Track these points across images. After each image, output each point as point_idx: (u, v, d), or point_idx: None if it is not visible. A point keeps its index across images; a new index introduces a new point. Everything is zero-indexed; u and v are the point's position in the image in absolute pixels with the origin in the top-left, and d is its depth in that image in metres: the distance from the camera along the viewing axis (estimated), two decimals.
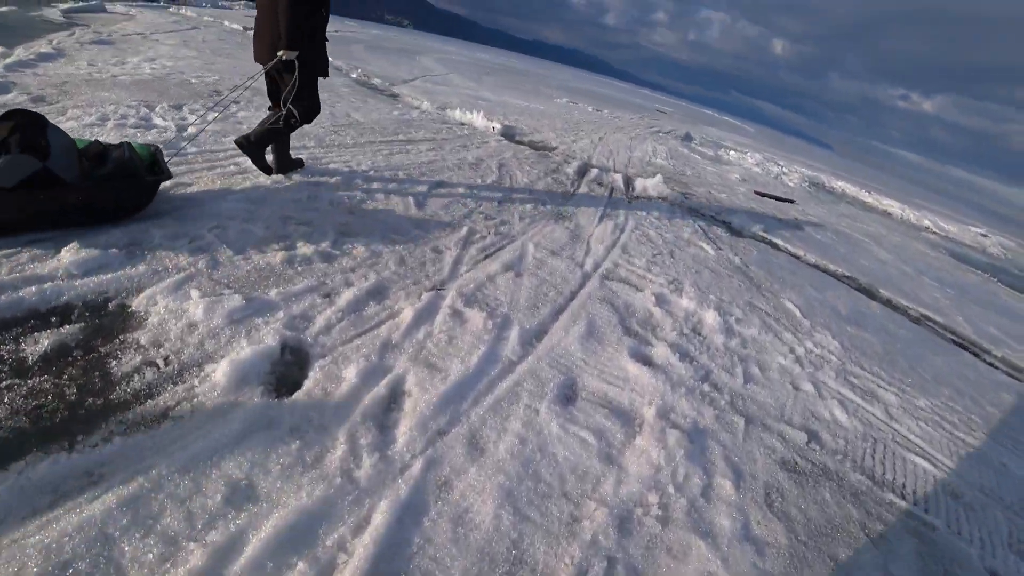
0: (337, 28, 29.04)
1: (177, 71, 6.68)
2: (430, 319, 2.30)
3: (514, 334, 2.32)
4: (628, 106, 21.14)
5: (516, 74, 22.98)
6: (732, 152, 13.10)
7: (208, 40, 11.27)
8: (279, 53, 2.92)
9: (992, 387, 3.50)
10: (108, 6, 17.41)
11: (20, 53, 6.35)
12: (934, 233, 10.76)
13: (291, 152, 3.61)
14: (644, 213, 4.90)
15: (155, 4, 21.92)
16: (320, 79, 3.35)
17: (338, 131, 5.20)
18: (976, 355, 4.06)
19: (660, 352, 2.53)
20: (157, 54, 7.90)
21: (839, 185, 13.23)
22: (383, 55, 15.68)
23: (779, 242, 5.43)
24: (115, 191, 2.32)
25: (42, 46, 7.31)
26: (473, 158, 5.24)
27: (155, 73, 6.31)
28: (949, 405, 3.00)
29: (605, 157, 7.35)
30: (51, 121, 2.25)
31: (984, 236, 12.12)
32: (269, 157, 3.46)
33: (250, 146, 3.17)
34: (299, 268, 2.45)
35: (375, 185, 3.75)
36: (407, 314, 2.27)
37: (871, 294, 4.75)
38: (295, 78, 2.98)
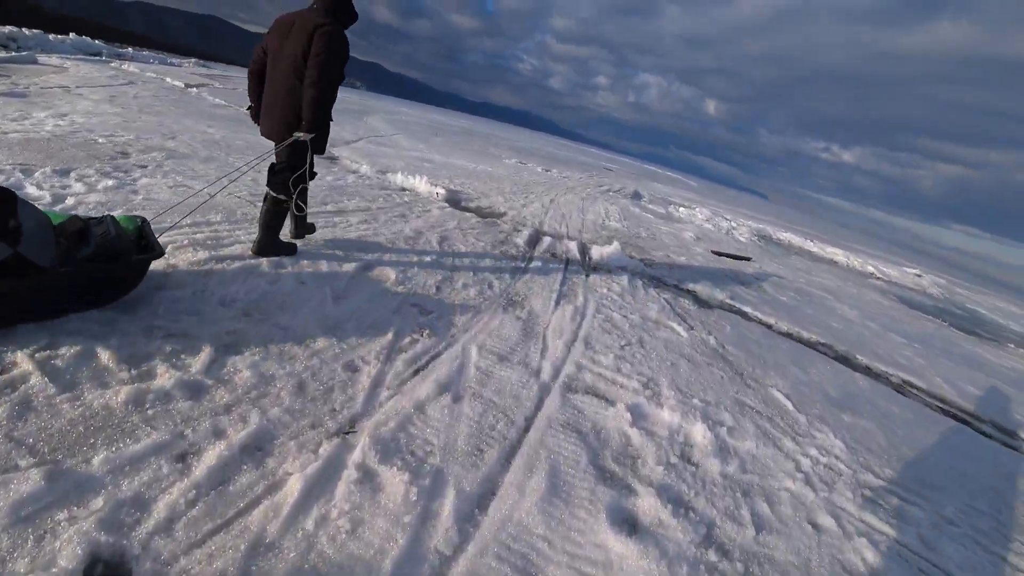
0: None
1: (86, 129, 5.91)
2: (328, 492, 1.59)
3: (448, 506, 1.64)
4: (576, 165, 21.56)
5: (466, 135, 23.19)
6: (682, 209, 13.28)
7: (140, 96, 10.49)
8: (297, 134, 2.79)
9: (1001, 468, 3.26)
10: (42, 58, 16.38)
11: None
12: (879, 279, 11.16)
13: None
14: (605, 289, 4.41)
15: (96, 58, 20.99)
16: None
17: (256, 201, 4.52)
18: (967, 423, 3.92)
19: (647, 506, 1.89)
20: (72, 109, 7.09)
21: (785, 237, 13.59)
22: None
23: (748, 310, 5.08)
24: (99, 274, 2.07)
25: None
26: (411, 231, 4.65)
27: (57, 131, 5.53)
28: (974, 508, 2.58)
29: (558, 222, 6.96)
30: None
31: (919, 276, 12.91)
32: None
33: (267, 247, 3.11)
34: (150, 411, 1.72)
35: (286, 271, 3.05)
36: (294, 485, 1.57)
37: (850, 363, 4.51)
38: (308, 159, 2.95)
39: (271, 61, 2.86)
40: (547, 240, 5.62)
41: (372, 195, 5.71)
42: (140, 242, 2.31)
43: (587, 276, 4.73)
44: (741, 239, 10.52)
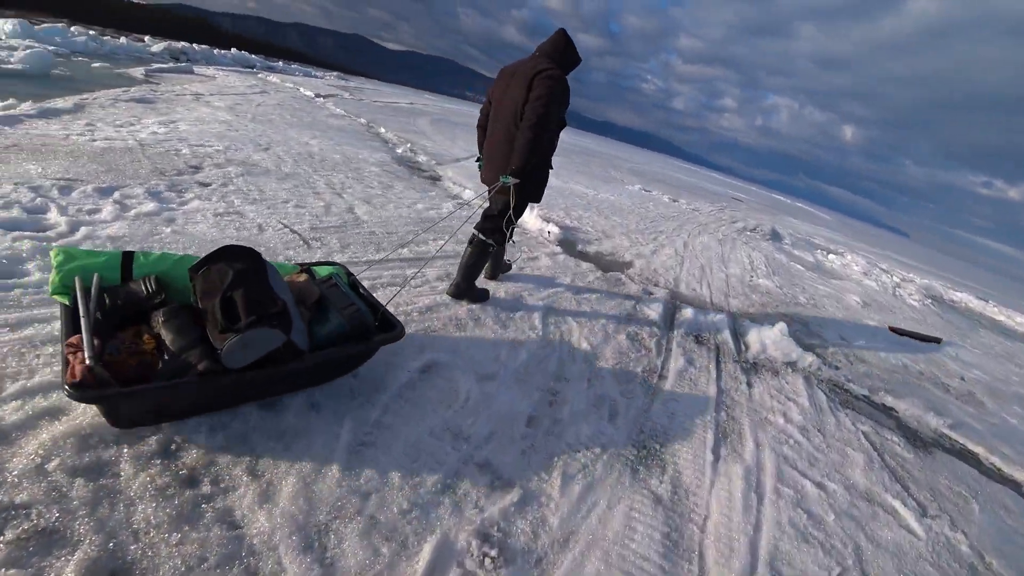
0: (412, 100, 29.82)
1: (179, 138, 5.55)
2: None
3: None
4: (703, 194, 19.28)
5: (587, 155, 21.91)
6: (832, 256, 10.90)
7: (263, 105, 10.63)
8: (504, 178, 2.68)
9: None
10: (199, 69, 18.06)
11: (26, 106, 5.46)
12: None
13: None
14: (780, 418, 2.80)
15: (249, 70, 23.06)
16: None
17: (318, 234, 3.56)
18: None
19: None
20: (184, 117, 6.96)
21: (960, 298, 10.52)
22: (447, 129, 14.87)
23: (980, 451, 3.21)
24: (350, 356, 1.89)
25: (64, 100, 6.52)
26: (506, 296, 3.37)
27: (149, 139, 5.20)
28: None
29: (696, 279, 5.33)
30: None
31: None
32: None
33: (464, 291, 3.05)
34: None
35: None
36: None
37: None
38: (512, 205, 2.80)
39: (493, 111, 2.85)
40: (688, 313, 4.06)
41: (466, 234, 4.56)
42: (375, 316, 2.00)
43: (749, 384, 3.13)
44: (912, 302, 8.02)
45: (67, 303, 1.55)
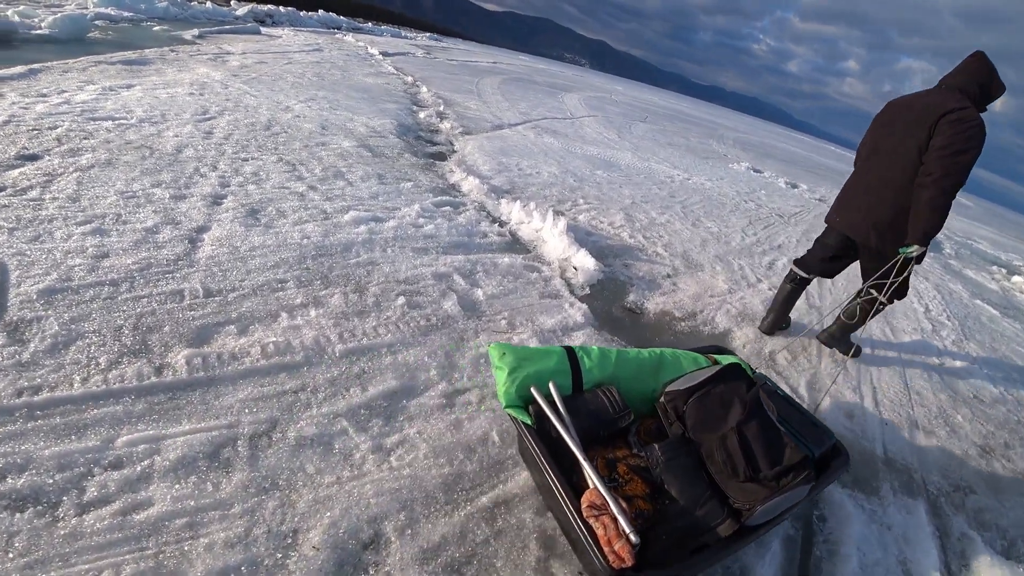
0: (499, 60, 27.50)
1: (90, 111, 4.31)
2: None
3: None
4: (824, 173, 15.21)
5: (683, 122, 18.39)
6: (1016, 279, 7.32)
7: (297, 63, 9.19)
8: (904, 250, 2.19)
9: None
10: (267, 30, 17.33)
11: None
12: None
13: None
14: None
15: (331, 31, 22.22)
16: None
17: (57, 302, 1.75)
18: None
19: None
20: (157, 83, 5.60)
21: None
22: (515, 91, 12.61)
23: None
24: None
25: (24, 68, 5.50)
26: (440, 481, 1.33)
27: (41, 112, 3.92)
28: None
29: (853, 385, 2.85)
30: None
31: None
32: None
33: (836, 341, 2.82)
34: None
35: None
36: None
37: None
38: (907, 271, 2.29)
39: (869, 147, 2.46)
40: (839, 528, 1.73)
41: (437, 271, 2.50)
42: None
43: None
44: None
45: (528, 422, 1.32)
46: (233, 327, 1.96)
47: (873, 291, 2.48)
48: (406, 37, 31.61)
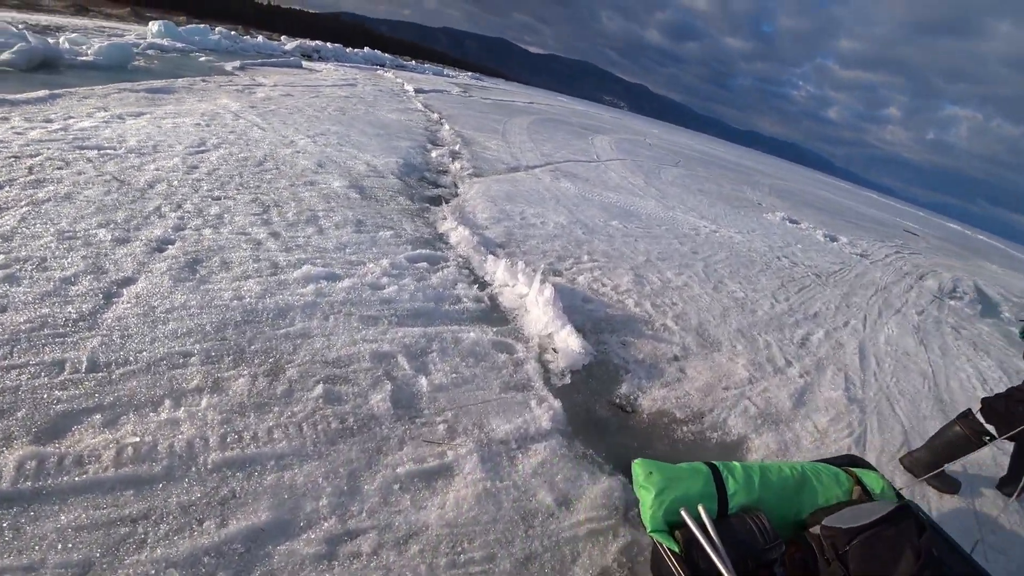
0: (536, 100, 27.83)
1: (81, 139, 4.08)
2: None
3: None
4: (866, 223, 14.31)
5: (718, 167, 17.86)
6: None
7: (325, 96, 9.25)
8: None
9: None
10: (308, 64, 17.96)
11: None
12: None
13: None
14: None
15: (373, 67, 22.96)
16: None
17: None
18: None
19: None
20: (169, 112, 5.57)
21: None
22: (544, 131, 12.45)
23: None
24: None
25: (46, 91, 5.60)
26: None
27: (34, 138, 3.71)
28: None
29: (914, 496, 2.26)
30: None
31: None
32: None
33: (925, 468, 2.29)
34: None
35: None
36: None
37: None
38: None
39: None
40: None
41: (379, 351, 2.08)
42: None
43: None
44: None
45: (676, 549, 1.25)
46: (99, 417, 1.58)
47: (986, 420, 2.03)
48: (447, 75, 32.52)
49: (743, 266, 5.30)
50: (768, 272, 5.39)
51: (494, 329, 2.51)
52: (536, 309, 2.65)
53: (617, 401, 2.33)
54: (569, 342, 2.41)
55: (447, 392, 1.97)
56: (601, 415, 2.21)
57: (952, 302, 6.93)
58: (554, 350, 2.44)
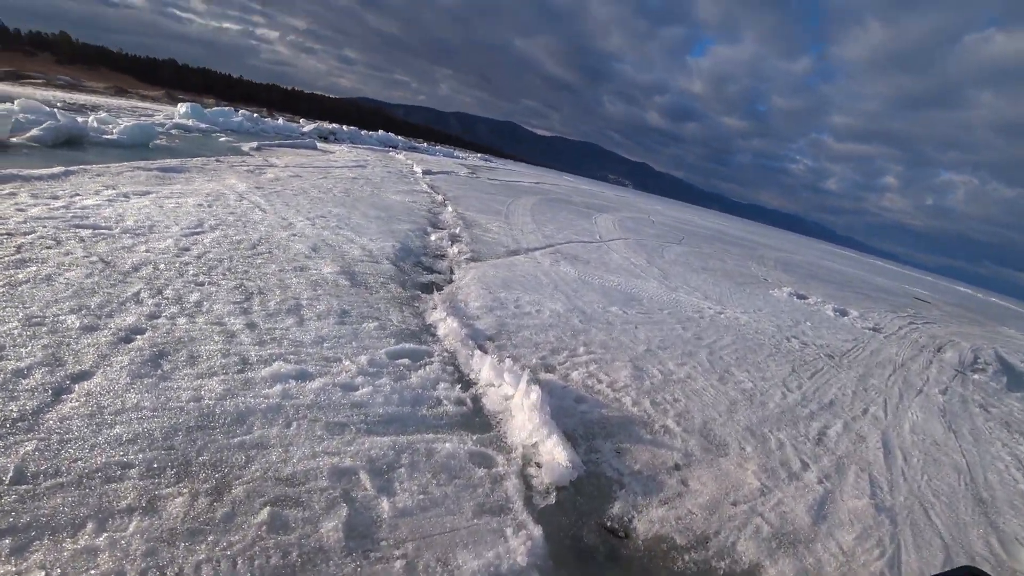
0: (542, 180, 28.93)
1: (76, 218, 4.08)
2: None
3: None
4: (876, 294, 14.13)
5: (722, 242, 18.09)
6: None
7: (334, 178, 9.56)
8: None
9: None
10: (323, 145, 18.88)
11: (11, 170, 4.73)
12: None
13: None
14: None
15: (385, 149, 24.12)
16: None
17: None
18: None
19: None
20: (174, 192, 5.70)
21: None
22: (546, 211, 12.73)
23: None
24: None
25: (60, 168, 5.80)
26: None
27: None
28: None
29: None
30: None
31: None
32: None
33: None
34: None
35: None
36: None
37: None
38: None
39: None
40: None
41: (339, 466, 1.88)
42: None
43: None
44: None
45: None
46: (7, 541, 1.37)
47: None
48: (457, 157, 34.09)
49: (750, 351, 5.10)
50: (777, 356, 5.17)
51: (474, 437, 2.31)
52: (521, 414, 2.45)
53: (608, 524, 2.07)
54: (555, 454, 2.19)
55: (411, 518, 1.74)
56: (589, 543, 1.95)
57: (975, 376, 6.62)
58: (538, 464, 2.21)
